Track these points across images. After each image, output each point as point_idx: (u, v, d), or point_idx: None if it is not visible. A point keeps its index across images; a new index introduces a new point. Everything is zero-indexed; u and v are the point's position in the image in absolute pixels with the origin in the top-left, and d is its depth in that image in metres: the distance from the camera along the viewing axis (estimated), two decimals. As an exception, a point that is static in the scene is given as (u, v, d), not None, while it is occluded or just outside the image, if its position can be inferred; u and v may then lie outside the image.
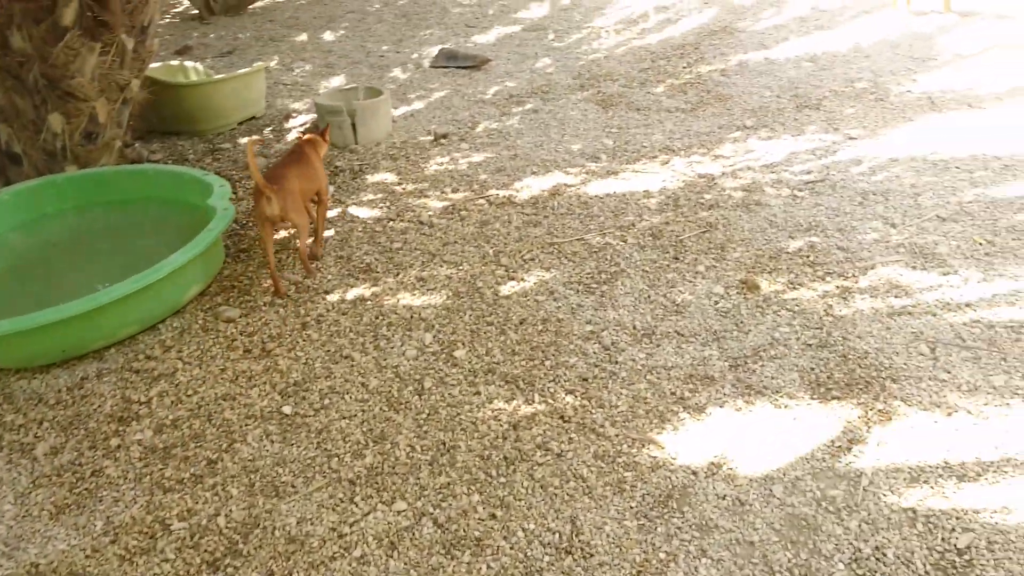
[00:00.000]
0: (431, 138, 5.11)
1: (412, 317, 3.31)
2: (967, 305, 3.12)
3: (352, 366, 3.04)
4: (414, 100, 5.84)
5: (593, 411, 2.74)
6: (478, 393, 2.86)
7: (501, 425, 2.70)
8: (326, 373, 3.01)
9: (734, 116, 5.06)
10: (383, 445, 2.65)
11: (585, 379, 2.89)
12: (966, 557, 2.13)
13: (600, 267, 3.56)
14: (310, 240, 3.73)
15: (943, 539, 2.19)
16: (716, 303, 3.26)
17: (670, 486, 2.42)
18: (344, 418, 2.78)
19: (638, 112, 5.26)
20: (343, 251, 3.84)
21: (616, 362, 2.97)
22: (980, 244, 3.50)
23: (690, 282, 3.41)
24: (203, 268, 3.50)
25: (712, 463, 2.49)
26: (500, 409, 2.77)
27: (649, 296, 3.34)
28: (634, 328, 3.15)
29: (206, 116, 5.44)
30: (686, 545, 2.22)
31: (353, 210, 4.23)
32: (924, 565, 2.12)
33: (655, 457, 2.53)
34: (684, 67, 6.01)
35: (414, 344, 3.14)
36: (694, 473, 2.46)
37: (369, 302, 3.43)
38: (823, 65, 5.78)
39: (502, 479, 2.49)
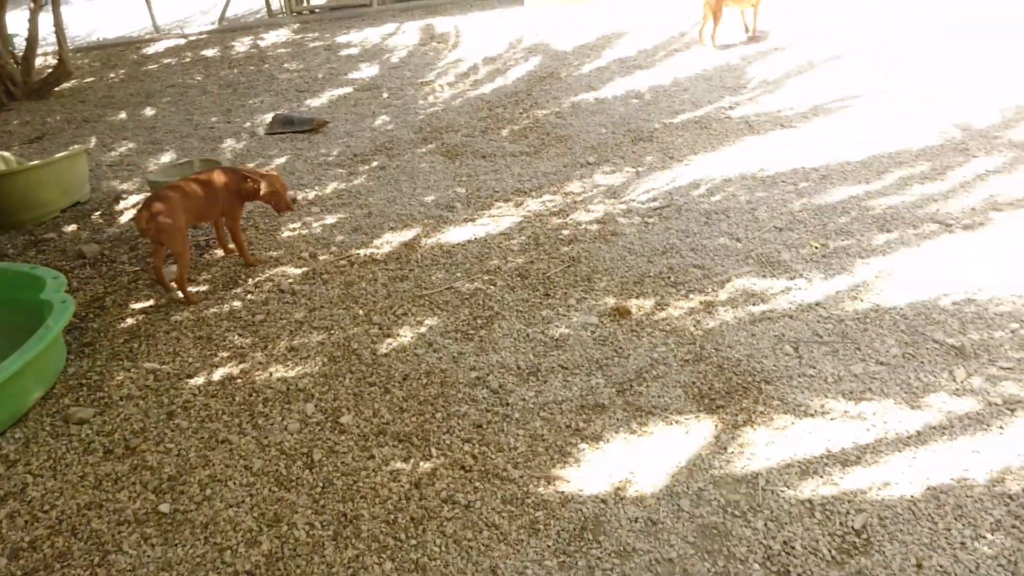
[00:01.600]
0: (279, 205, 4.95)
1: (289, 389, 3.15)
2: (817, 304, 3.36)
3: (231, 450, 2.84)
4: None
5: (493, 456, 2.70)
6: (372, 457, 2.74)
7: (402, 486, 2.60)
8: (203, 462, 2.79)
9: (576, 154, 5.26)
10: (279, 528, 2.48)
11: (479, 425, 2.85)
12: (864, 536, 2.26)
13: (474, 313, 3.56)
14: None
15: (841, 523, 2.31)
16: (593, 333, 3.33)
17: (583, 518, 2.41)
18: (231, 506, 2.58)
19: (484, 159, 5.36)
20: (201, 331, 3.61)
21: (507, 404, 2.95)
22: (816, 248, 3.80)
23: (564, 316, 3.47)
24: (45, 369, 3.18)
25: (619, 488, 2.51)
26: (398, 469, 2.68)
27: (528, 335, 3.36)
28: (518, 368, 3.15)
29: (24, 206, 5.00)
30: (609, 573, 2.21)
31: (205, 288, 4.00)
32: (829, 551, 2.22)
33: (563, 492, 2.52)
34: (521, 113, 6.21)
35: (295, 417, 2.98)
36: (603, 501, 2.47)
37: (239, 380, 3.23)
38: (648, 100, 6.15)
39: (412, 541, 2.39)
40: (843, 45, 6.88)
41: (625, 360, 3.14)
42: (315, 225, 4.62)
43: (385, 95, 7.14)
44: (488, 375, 3.12)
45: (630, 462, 2.62)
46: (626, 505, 2.44)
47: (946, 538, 2.22)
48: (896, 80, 5.89)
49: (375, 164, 5.48)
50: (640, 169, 4.92)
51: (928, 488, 2.39)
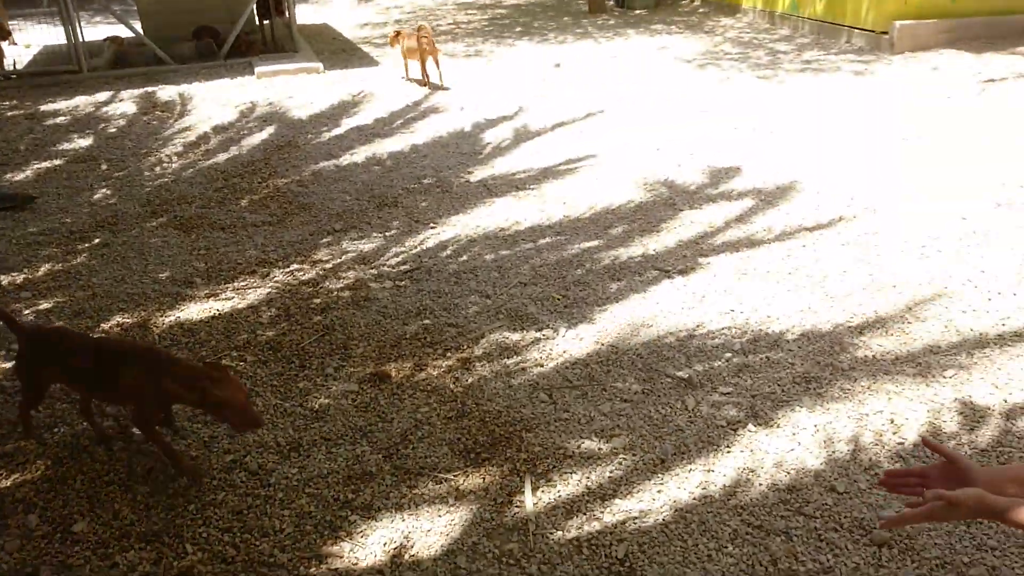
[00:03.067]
0: (-23, 292, 4.33)
1: (4, 502, 2.72)
2: (564, 351, 3.59)
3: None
4: (-58, 252, 4.90)
5: (257, 543, 2.52)
6: (115, 565, 2.44)
7: (153, 593, 2.34)
8: None
9: (321, 222, 5.20)
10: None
11: (239, 512, 2.66)
12: (627, 564, 2.41)
13: (225, 392, 3.33)
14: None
15: (606, 555, 2.45)
16: (354, 400, 3.27)
17: (360, 593, 2.33)
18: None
19: (223, 231, 5.10)
20: None
21: (269, 484, 2.78)
22: (558, 299, 4.07)
23: (323, 386, 3.37)
24: None
25: (395, 556, 2.46)
26: (148, 574, 2.40)
27: (285, 409, 3.22)
28: (278, 445, 3.00)
29: None
30: (392, 647, 2.15)
31: None
32: (599, 583, 2.34)
33: (336, 568, 2.42)
34: (260, 182, 6.02)
35: (15, 532, 2.58)
36: (380, 572, 2.40)
37: (-65, 500, 2.73)
38: (390, 167, 6.27)
39: (171, 653, 2.14)
40: (563, 114, 7.53)
41: (389, 424, 3.11)
42: (25, 312, 4.09)
43: (104, 167, 6.57)
44: (245, 456, 2.93)
45: (404, 527, 2.58)
46: (404, 571, 2.40)
47: (695, 553, 2.44)
48: (611, 146, 6.55)
49: (97, 241, 4.99)
50: (388, 234, 4.97)
51: (676, 510, 2.61)
